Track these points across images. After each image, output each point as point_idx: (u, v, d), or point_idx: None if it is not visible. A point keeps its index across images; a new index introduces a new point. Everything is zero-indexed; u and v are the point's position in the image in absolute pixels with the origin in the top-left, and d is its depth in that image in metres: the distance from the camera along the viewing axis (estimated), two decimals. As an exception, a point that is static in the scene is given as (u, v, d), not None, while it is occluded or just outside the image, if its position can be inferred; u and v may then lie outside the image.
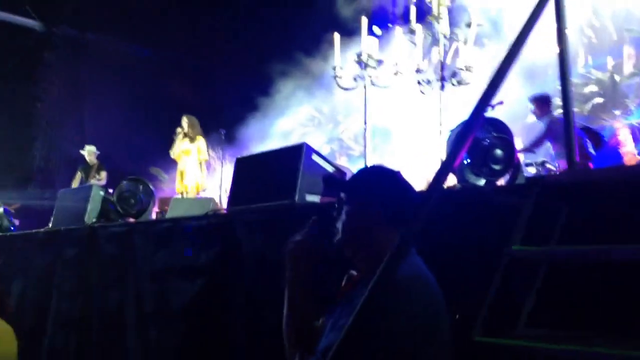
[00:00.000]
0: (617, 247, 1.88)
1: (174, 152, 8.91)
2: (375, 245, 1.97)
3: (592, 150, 6.94)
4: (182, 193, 8.61)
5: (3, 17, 13.04)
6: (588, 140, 6.86)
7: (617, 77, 10.40)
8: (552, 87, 10.63)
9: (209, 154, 13.91)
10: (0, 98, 12.25)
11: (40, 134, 13.55)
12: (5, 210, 8.11)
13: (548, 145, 7.38)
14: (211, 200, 6.93)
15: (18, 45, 12.90)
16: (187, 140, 8.90)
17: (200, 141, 8.93)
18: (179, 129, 8.96)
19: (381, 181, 2.10)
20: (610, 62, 10.49)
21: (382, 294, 1.63)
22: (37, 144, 13.57)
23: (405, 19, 11.85)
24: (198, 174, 8.85)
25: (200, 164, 8.98)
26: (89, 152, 10.61)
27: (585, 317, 2.01)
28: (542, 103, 7.26)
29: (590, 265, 2.03)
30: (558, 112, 7.22)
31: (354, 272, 2.10)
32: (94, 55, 13.64)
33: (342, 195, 2.07)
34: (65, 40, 13.82)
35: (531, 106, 7.36)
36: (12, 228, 7.85)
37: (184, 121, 8.99)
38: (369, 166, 2.47)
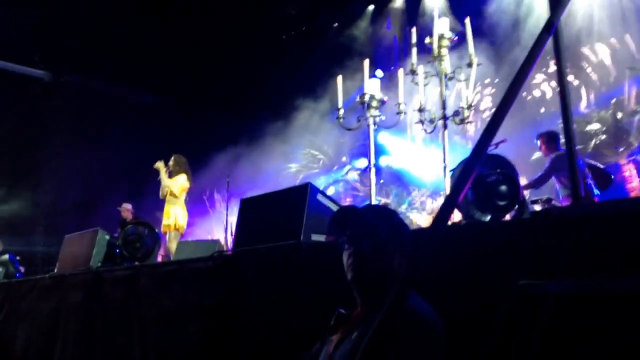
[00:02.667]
0: (625, 280, 1.86)
1: (161, 193, 8.80)
2: (382, 277, 2.01)
3: (596, 191, 6.90)
4: (165, 233, 8.41)
5: (11, 67, 13.31)
6: (592, 182, 6.83)
7: (619, 115, 10.47)
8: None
9: (214, 198, 13.98)
10: (6, 145, 12.39)
11: (46, 180, 13.65)
12: (10, 256, 8.13)
13: (552, 183, 7.37)
14: (217, 242, 6.92)
15: (25, 94, 13.12)
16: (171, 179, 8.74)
17: (179, 177, 8.67)
18: (160, 172, 8.82)
19: (384, 214, 2.16)
20: (611, 100, 10.57)
21: (390, 333, 1.64)
22: (43, 190, 13.65)
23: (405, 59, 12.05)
24: (179, 214, 8.63)
25: (182, 204, 8.72)
26: (124, 209, 10.78)
27: (595, 352, 1.98)
28: (549, 140, 7.26)
29: (598, 298, 2.01)
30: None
31: (343, 311, 2.10)
32: (99, 102, 13.85)
33: (347, 233, 2.09)
34: (72, 89, 14.05)
35: (538, 143, 7.37)
36: (17, 275, 7.85)
37: (171, 160, 8.89)
38: (367, 205, 2.51)
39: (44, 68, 13.95)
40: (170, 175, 8.68)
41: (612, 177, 7.33)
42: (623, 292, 1.92)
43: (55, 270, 5.60)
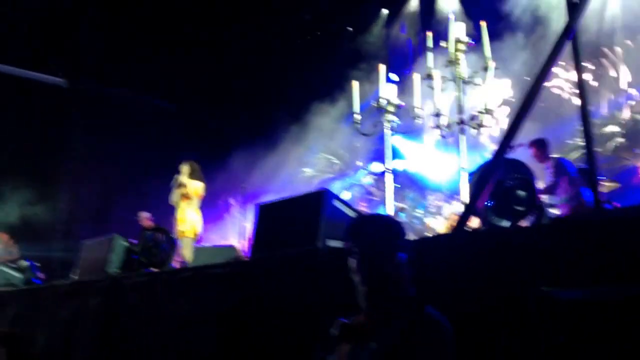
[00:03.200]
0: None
1: (172, 199, 8.78)
2: (394, 287, 2.02)
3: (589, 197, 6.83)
4: (180, 239, 8.35)
5: (29, 75, 13.46)
6: (584, 189, 6.81)
7: (637, 116, 10.35)
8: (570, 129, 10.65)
9: (229, 202, 14.02)
10: (25, 152, 12.52)
11: (64, 187, 13.77)
12: (30, 263, 8.20)
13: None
14: (233, 248, 6.95)
15: (42, 102, 13.25)
16: (183, 187, 8.62)
17: (197, 182, 8.55)
18: (176, 175, 8.81)
19: (389, 225, 2.17)
20: (630, 102, 10.46)
21: (413, 341, 1.66)
22: (61, 197, 13.77)
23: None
24: (196, 220, 8.61)
25: (197, 208, 8.71)
26: (143, 218, 10.84)
27: (617, 357, 1.95)
28: (541, 146, 7.27)
29: (619, 304, 1.98)
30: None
31: (345, 320, 2.10)
32: (117, 109, 13.94)
33: (357, 245, 2.10)
34: (89, 96, 14.16)
35: (530, 151, 7.31)
36: (37, 281, 7.93)
37: (184, 166, 8.88)
38: (370, 215, 2.53)
39: (61, 75, 14.08)
40: (189, 185, 8.67)
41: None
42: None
43: (74, 277, 5.64)
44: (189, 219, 8.38)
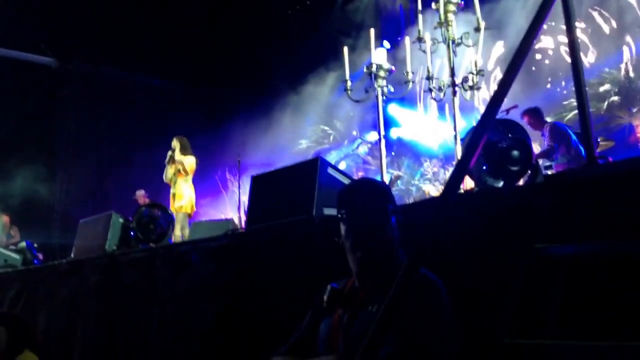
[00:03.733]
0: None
1: (166, 176, 8.76)
2: (389, 250, 2.07)
3: None
4: (177, 214, 8.40)
5: (18, 55, 13.30)
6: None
7: (632, 74, 10.29)
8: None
9: (226, 177, 14.01)
10: (18, 134, 12.43)
11: (59, 168, 13.73)
12: (28, 243, 8.21)
13: None
14: (230, 221, 6.95)
15: (34, 82, 13.12)
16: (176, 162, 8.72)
17: (188, 158, 8.65)
18: (170, 152, 8.81)
19: (380, 188, 2.22)
20: (623, 60, 10.39)
21: (409, 297, 1.68)
22: (57, 178, 13.74)
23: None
24: (191, 193, 8.65)
25: (191, 182, 8.73)
26: (139, 196, 10.87)
27: (611, 313, 1.95)
28: (535, 114, 7.31)
29: (617, 260, 1.98)
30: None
31: (335, 285, 2.11)
32: (108, 88, 13.83)
33: (351, 209, 2.10)
34: (80, 75, 14.03)
35: (524, 120, 7.33)
36: (35, 261, 7.94)
37: (175, 143, 8.80)
38: (359, 179, 2.57)
39: (51, 55, 13.92)
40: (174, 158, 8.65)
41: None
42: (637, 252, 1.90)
43: (72, 255, 5.64)
44: (185, 194, 8.41)
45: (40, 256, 8.66)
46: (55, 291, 5.11)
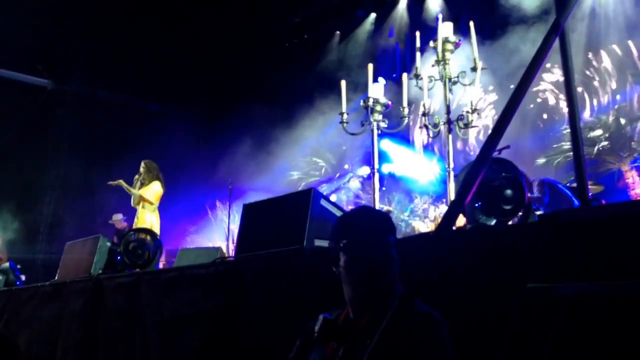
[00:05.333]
0: (634, 283, 1.83)
1: (134, 201, 8.63)
2: (390, 283, 2.01)
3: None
4: None
5: (15, 76, 13.34)
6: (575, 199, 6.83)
7: (622, 121, 10.44)
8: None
9: (216, 206, 13.95)
10: (11, 153, 12.38)
11: (49, 188, 13.64)
12: (11, 264, 8.09)
13: None
14: (218, 249, 6.89)
15: (29, 103, 13.13)
16: (142, 186, 8.60)
17: (153, 184, 8.51)
18: (136, 176, 8.72)
19: (386, 219, 2.14)
20: (614, 106, 10.56)
21: (408, 334, 1.66)
22: (46, 199, 13.64)
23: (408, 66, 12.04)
24: (155, 221, 8.52)
25: (154, 209, 8.57)
26: (116, 220, 10.78)
27: (605, 353, 1.93)
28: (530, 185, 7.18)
29: (608, 301, 1.97)
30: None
31: (328, 316, 2.05)
32: (103, 111, 13.85)
33: (351, 240, 2.05)
34: (75, 97, 14.06)
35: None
36: (18, 282, 7.82)
37: (142, 165, 8.70)
38: (365, 208, 2.45)
39: (47, 76, 13.96)
40: (143, 183, 8.57)
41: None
42: (631, 294, 1.89)
43: (57, 278, 5.56)
44: (147, 221, 8.32)
45: (23, 277, 8.54)
46: (38, 313, 5.01)
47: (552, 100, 11.28)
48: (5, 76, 13.15)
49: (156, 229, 8.27)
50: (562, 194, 6.63)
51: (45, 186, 13.64)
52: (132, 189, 8.50)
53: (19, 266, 8.79)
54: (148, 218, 8.38)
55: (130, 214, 10.19)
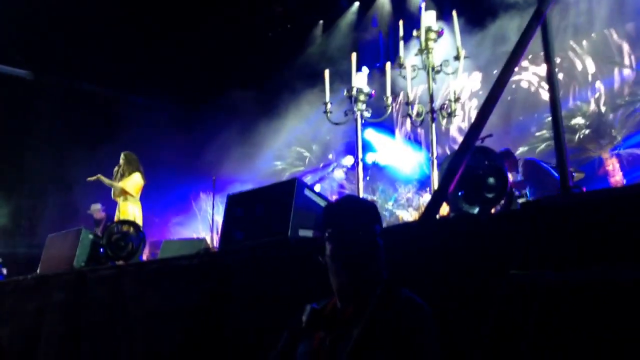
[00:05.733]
0: (614, 269, 1.85)
1: (114, 193, 8.56)
2: (377, 272, 2.01)
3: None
4: None
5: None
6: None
7: (602, 109, 10.54)
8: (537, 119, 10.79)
9: (199, 197, 13.88)
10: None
11: (27, 181, 13.49)
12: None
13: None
14: (202, 240, 6.87)
15: (7, 94, 12.93)
16: (123, 178, 8.55)
17: (134, 176, 8.47)
18: (116, 168, 8.64)
19: (371, 208, 2.15)
20: (595, 94, 10.66)
21: (394, 321, 1.67)
22: (25, 192, 13.49)
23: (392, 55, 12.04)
24: (137, 212, 8.42)
25: (136, 201, 8.51)
26: (95, 210, 10.66)
27: (585, 339, 1.96)
28: (508, 157, 7.27)
29: (588, 287, 1.99)
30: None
31: (315, 306, 2.06)
32: (83, 103, 13.69)
33: (338, 229, 2.05)
34: (55, 89, 13.88)
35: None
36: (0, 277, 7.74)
37: (121, 157, 8.66)
38: (351, 197, 2.47)
39: (26, 67, 13.76)
40: (123, 175, 8.51)
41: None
42: (612, 280, 1.91)
43: (38, 271, 5.50)
44: (130, 213, 8.26)
45: (5, 271, 8.45)
46: (20, 307, 4.97)
47: (533, 88, 11.35)
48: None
49: (139, 220, 8.21)
50: (547, 173, 6.69)
51: (23, 179, 13.48)
52: (112, 182, 8.43)
53: (0, 260, 8.69)
54: (130, 210, 8.33)
55: (111, 204, 10.11)
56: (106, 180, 8.47)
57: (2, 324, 4.98)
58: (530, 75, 11.30)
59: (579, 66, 10.87)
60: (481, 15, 10.71)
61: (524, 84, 11.42)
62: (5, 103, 12.77)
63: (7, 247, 11.71)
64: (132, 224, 5.50)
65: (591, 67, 10.72)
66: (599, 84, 10.66)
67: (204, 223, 13.10)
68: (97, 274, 4.45)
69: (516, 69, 3.00)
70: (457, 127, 11.54)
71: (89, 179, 8.58)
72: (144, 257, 7.05)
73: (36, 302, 4.79)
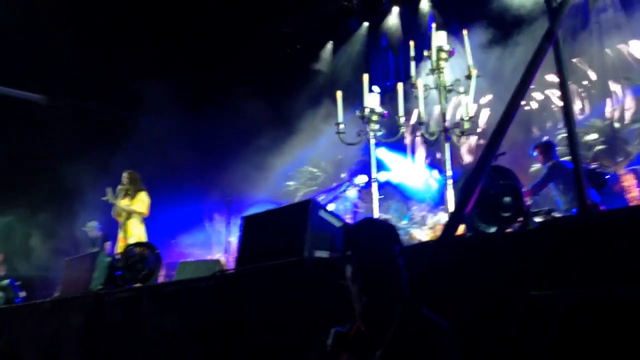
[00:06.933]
0: (633, 288, 1.84)
1: (116, 212, 8.45)
2: (394, 294, 2.00)
3: (596, 197, 6.95)
4: None
5: (7, 91, 13.33)
6: (591, 189, 6.88)
7: (616, 125, 10.48)
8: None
9: (214, 218, 13.92)
10: (3, 170, 12.36)
11: (43, 204, 13.59)
12: (11, 281, 8.06)
13: (550, 194, 7.41)
14: (217, 262, 6.87)
15: (21, 118, 13.10)
16: (127, 198, 8.44)
17: (142, 195, 8.37)
18: (119, 187, 8.49)
19: (389, 229, 2.16)
20: (608, 110, 10.59)
21: (415, 341, 1.67)
22: (41, 215, 13.58)
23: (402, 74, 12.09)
24: (142, 233, 8.29)
25: (141, 221, 8.41)
26: (91, 228, 10.66)
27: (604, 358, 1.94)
28: (545, 149, 7.39)
29: (607, 306, 1.98)
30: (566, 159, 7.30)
31: (340, 329, 2.07)
32: (96, 124, 13.82)
33: (355, 252, 2.06)
34: (68, 112, 14.04)
35: (535, 153, 7.46)
36: (17, 300, 7.79)
37: (124, 177, 8.53)
38: (369, 219, 2.49)
39: (40, 92, 13.96)
40: (127, 194, 8.40)
41: (605, 177, 7.33)
42: (633, 298, 1.90)
43: (57, 294, 5.54)
44: (135, 233, 8.17)
45: (23, 294, 8.50)
46: (38, 330, 5.00)
47: (546, 105, 11.32)
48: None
49: (143, 239, 8.06)
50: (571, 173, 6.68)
51: (41, 200, 13.58)
52: (119, 203, 8.34)
53: (18, 283, 8.75)
54: (136, 230, 8.19)
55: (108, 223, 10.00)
56: (120, 205, 8.39)
57: (21, 346, 5.00)
58: (541, 90, 11.28)
59: (591, 81, 10.83)
60: (492, 29, 10.75)
61: (537, 100, 11.40)
62: (20, 127, 12.93)
63: (22, 269, 11.79)
64: (148, 245, 5.52)
65: (605, 83, 10.67)
66: (612, 100, 10.60)
67: (218, 244, 13.11)
68: (114, 297, 4.47)
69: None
70: (468, 146, 11.53)
71: (104, 198, 8.52)
72: (160, 279, 7.06)
73: (55, 325, 4.82)
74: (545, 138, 9.94)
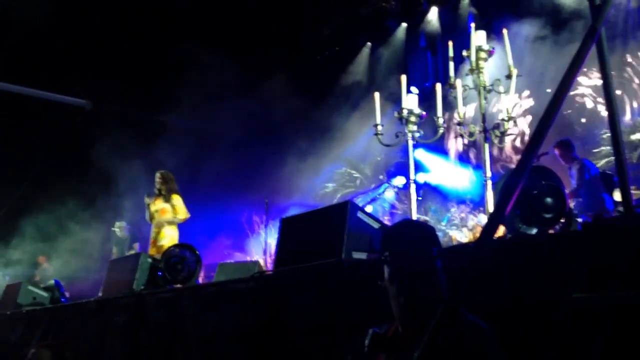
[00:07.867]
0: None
1: (148, 215, 8.22)
2: (433, 295, 2.00)
3: (610, 205, 6.83)
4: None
5: (53, 97, 13.70)
6: (606, 195, 6.85)
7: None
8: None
9: (252, 219, 14.04)
10: (52, 173, 12.72)
11: (89, 206, 13.91)
12: (56, 282, 8.27)
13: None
14: (256, 263, 6.93)
15: (68, 124, 13.46)
16: (161, 199, 8.20)
17: (177, 199, 8.14)
18: (154, 189, 8.24)
19: (428, 231, 2.16)
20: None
21: (455, 344, 1.65)
22: (86, 217, 13.91)
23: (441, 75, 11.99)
24: (175, 235, 8.10)
25: (176, 224, 8.19)
26: (120, 228, 10.78)
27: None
28: (566, 147, 7.31)
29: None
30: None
31: (378, 330, 2.07)
32: (141, 129, 14.09)
33: (394, 253, 2.06)
34: (114, 117, 14.34)
35: (556, 152, 7.38)
36: (63, 299, 7.99)
37: (157, 177, 8.27)
38: (407, 221, 2.49)
39: (85, 97, 14.30)
40: (160, 194, 8.18)
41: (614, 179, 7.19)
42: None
43: (100, 294, 5.67)
44: (168, 234, 8.07)
45: (68, 294, 8.72)
46: (83, 329, 5.13)
47: (590, 104, 11.07)
48: (45, 97, 13.52)
49: (176, 241, 7.91)
50: (596, 177, 6.68)
51: (86, 204, 13.91)
52: (165, 216, 8.18)
53: (63, 283, 8.97)
54: (169, 232, 8.09)
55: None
56: (165, 218, 8.15)
57: (67, 345, 5.13)
58: (586, 89, 11.03)
59: (637, 80, 10.55)
60: (533, 29, 10.57)
61: (580, 99, 11.15)
62: (66, 132, 13.29)
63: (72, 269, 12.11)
64: (188, 246, 5.60)
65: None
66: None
67: (257, 245, 13.22)
68: (156, 297, 4.56)
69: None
70: (511, 145, 11.34)
71: (147, 201, 8.44)
72: (200, 280, 7.15)
73: (98, 325, 4.93)
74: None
